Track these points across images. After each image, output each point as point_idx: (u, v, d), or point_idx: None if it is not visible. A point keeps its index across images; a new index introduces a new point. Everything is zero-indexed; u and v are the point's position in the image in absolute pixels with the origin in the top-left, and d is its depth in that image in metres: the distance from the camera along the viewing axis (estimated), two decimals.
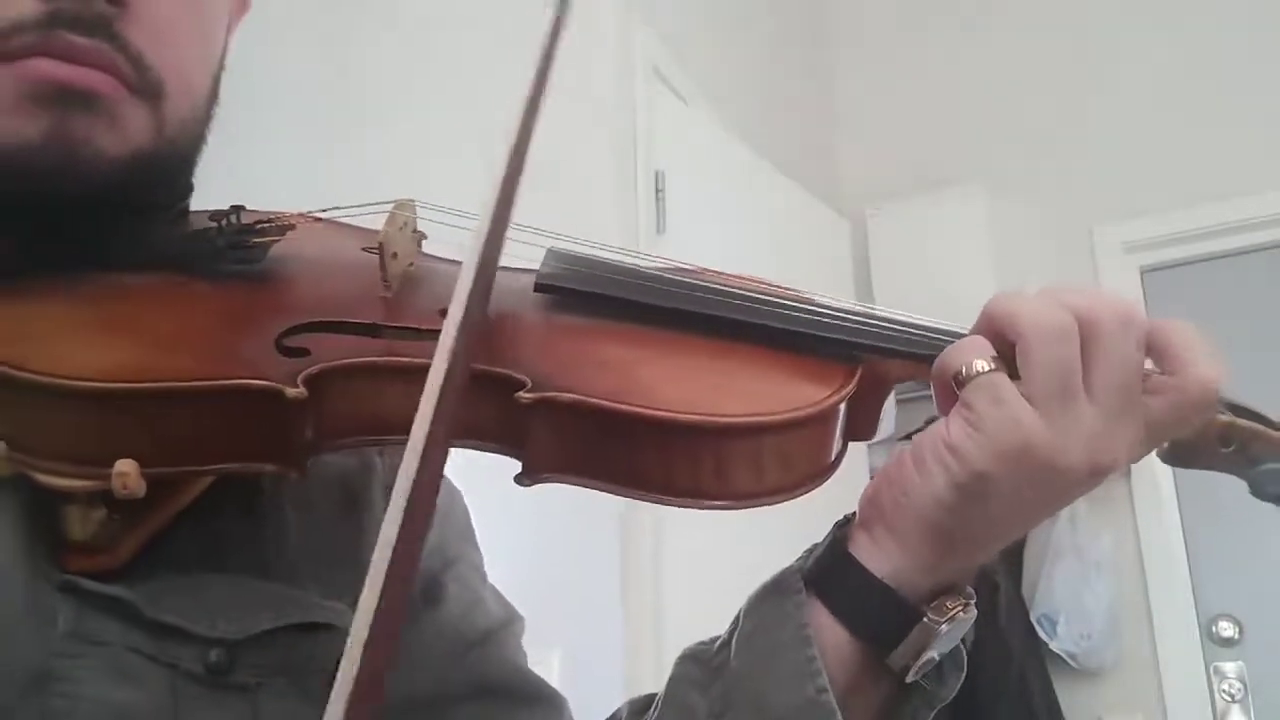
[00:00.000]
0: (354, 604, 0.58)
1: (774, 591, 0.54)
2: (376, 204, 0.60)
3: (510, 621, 0.68)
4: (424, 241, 0.62)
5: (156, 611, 0.49)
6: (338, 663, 0.57)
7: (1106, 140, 3.36)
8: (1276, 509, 0.56)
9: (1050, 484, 0.49)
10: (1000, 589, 2.81)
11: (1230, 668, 2.99)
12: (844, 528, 0.54)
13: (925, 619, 0.50)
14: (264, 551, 0.55)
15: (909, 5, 3.80)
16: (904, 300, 3.38)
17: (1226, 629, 3.01)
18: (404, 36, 2.51)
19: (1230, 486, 0.57)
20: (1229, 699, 2.97)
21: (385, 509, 0.62)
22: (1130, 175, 3.31)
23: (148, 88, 0.54)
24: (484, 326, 0.46)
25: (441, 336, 0.40)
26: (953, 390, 0.50)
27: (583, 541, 2.00)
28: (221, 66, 0.62)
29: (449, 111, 2.37)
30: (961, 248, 3.36)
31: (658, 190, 2.40)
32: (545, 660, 1.91)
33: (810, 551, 0.55)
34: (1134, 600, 3.05)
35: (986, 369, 0.49)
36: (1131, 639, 3.02)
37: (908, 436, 3.01)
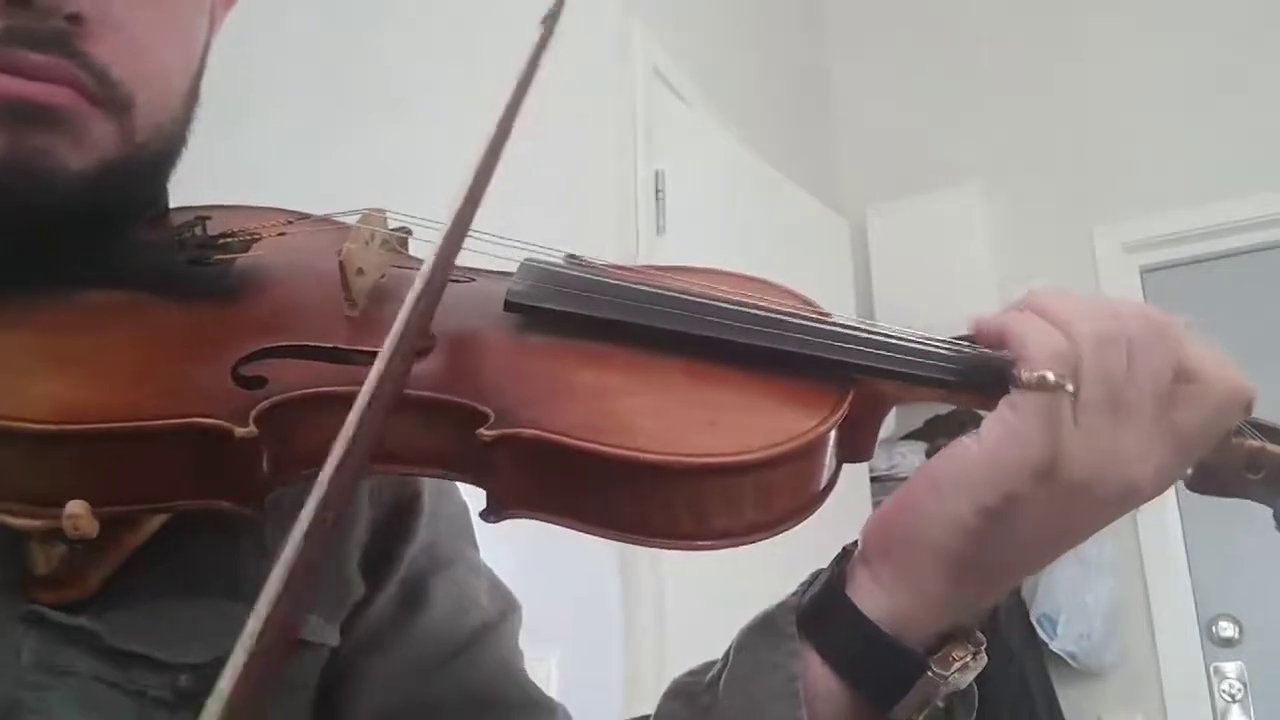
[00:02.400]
0: (330, 615, 0.58)
1: (766, 632, 0.52)
2: (344, 214, 0.57)
3: (504, 616, 0.66)
4: (410, 241, 0.59)
5: (121, 640, 0.49)
6: (315, 676, 0.57)
7: (1106, 140, 3.36)
8: None
9: (1079, 508, 0.47)
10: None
11: (1230, 668, 2.98)
12: (843, 564, 0.51)
13: (930, 673, 0.48)
14: (236, 572, 0.54)
15: (909, 5, 3.80)
16: (904, 300, 3.36)
17: (1226, 629, 3.00)
18: (406, 35, 2.51)
19: None
20: (1229, 699, 2.96)
21: (370, 516, 0.62)
22: (1130, 175, 3.31)
23: (114, 101, 0.52)
24: (420, 345, 0.43)
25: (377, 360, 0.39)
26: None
27: (582, 541, 1.99)
28: (203, 66, 0.60)
29: (450, 110, 2.36)
30: (961, 248, 3.36)
31: (658, 190, 2.40)
32: (544, 661, 1.91)
33: (808, 584, 0.52)
34: (1134, 600, 3.05)
35: (1055, 383, 0.45)
36: (1131, 639, 3.02)
37: (908, 437, 3.01)
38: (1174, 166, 3.26)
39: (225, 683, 0.29)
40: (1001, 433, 0.46)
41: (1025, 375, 0.46)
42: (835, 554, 0.53)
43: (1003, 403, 0.47)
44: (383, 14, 2.52)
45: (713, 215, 2.58)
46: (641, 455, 0.45)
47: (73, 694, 0.48)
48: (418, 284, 0.42)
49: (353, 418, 0.37)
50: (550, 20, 0.55)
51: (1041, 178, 3.41)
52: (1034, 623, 2.97)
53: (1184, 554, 3.06)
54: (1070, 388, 0.45)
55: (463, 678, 0.62)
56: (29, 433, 0.44)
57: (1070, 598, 2.95)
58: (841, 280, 3.21)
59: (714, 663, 0.55)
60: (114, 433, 0.45)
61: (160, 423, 0.45)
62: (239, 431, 0.45)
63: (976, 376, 0.49)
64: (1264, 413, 0.53)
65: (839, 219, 3.32)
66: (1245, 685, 2.96)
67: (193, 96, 0.60)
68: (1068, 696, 2.94)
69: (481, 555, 0.70)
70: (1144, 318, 0.47)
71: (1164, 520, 3.06)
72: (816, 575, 0.53)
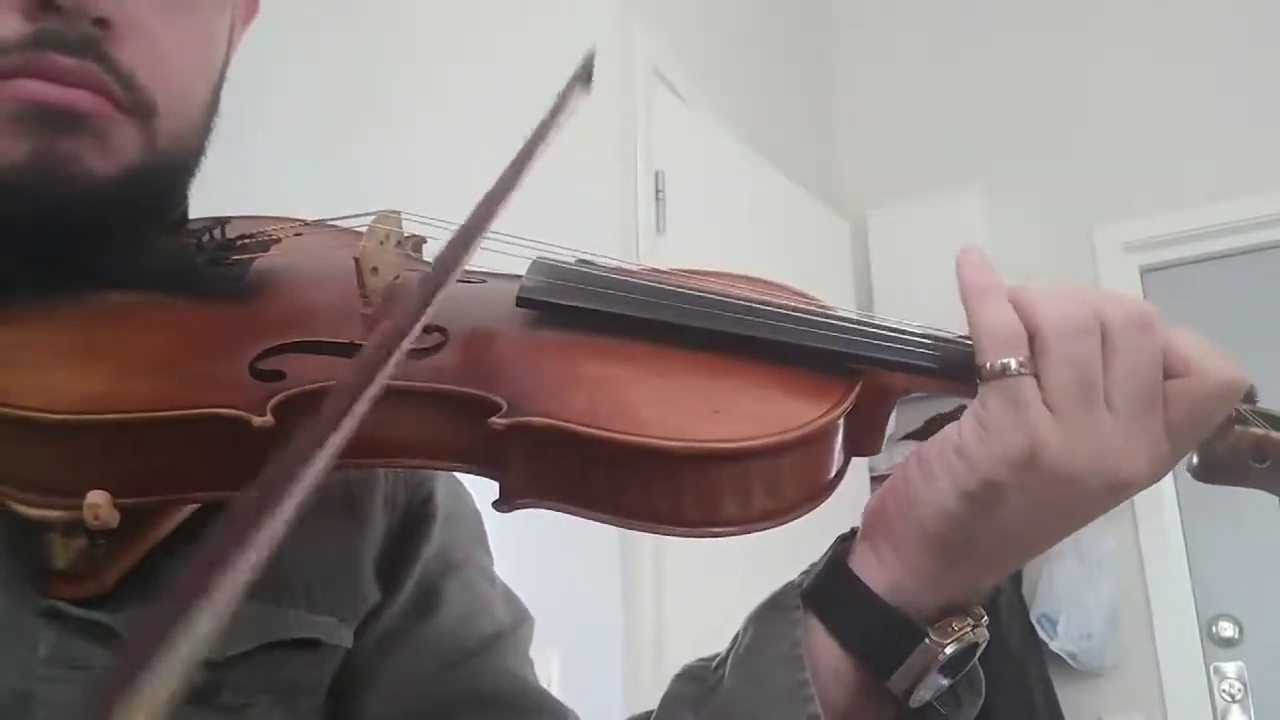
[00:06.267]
0: (345, 617, 0.58)
1: (771, 609, 0.53)
2: (360, 215, 0.58)
3: (517, 626, 0.67)
4: (424, 247, 0.60)
5: None
6: (327, 679, 0.57)
7: (1106, 140, 3.36)
8: None
9: (1065, 498, 0.46)
10: (1000, 589, 2.81)
11: (1230, 668, 2.99)
12: (846, 542, 0.52)
13: (927, 640, 0.48)
14: None
15: (909, 5, 3.80)
16: (904, 300, 3.36)
17: (1226, 629, 3.01)
18: (412, 45, 2.51)
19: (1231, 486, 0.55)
20: (1229, 699, 2.97)
21: (385, 521, 0.62)
22: (1130, 175, 3.31)
23: (139, 107, 0.53)
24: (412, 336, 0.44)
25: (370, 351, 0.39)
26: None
27: (583, 541, 2.00)
28: (223, 76, 0.61)
29: (455, 119, 2.36)
30: (961, 248, 3.35)
31: (658, 190, 2.40)
32: (545, 661, 1.91)
33: (813, 567, 0.53)
34: (1134, 600, 3.05)
35: (1015, 369, 0.46)
36: (1131, 639, 3.02)
37: (908, 436, 3.01)
38: (1174, 166, 3.27)
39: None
40: (974, 422, 0.47)
41: (980, 364, 0.46)
42: (839, 535, 0.54)
43: (976, 396, 0.47)
44: (390, 24, 2.52)
45: (713, 215, 2.58)
46: (649, 441, 0.45)
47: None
48: (436, 260, 0.43)
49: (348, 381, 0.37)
50: (578, 81, 0.55)
51: (1041, 178, 3.42)
52: (1034, 623, 2.97)
53: (1184, 554, 3.07)
54: (1027, 373, 0.45)
55: (474, 681, 0.62)
56: (50, 423, 0.45)
57: (1070, 598, 2.95)
58: (841, 280, 3.21)
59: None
60: (133, 422, 0.46)
61: (179, 413, 0.46)
62: (256, 421, 0.45)
63: (956, 367, 0.49)
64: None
65: (839, 219, 3.32)
66: (1245, 685, 2.97)
67: (213, 107, 0.60)
68: (1068, 696, 2.94)
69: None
70: (1124, 309, 0.47)
71: (1164, 520, 3.06)
72: (818, 561, 0.54)
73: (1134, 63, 3.39)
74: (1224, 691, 2.98)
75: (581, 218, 2.18)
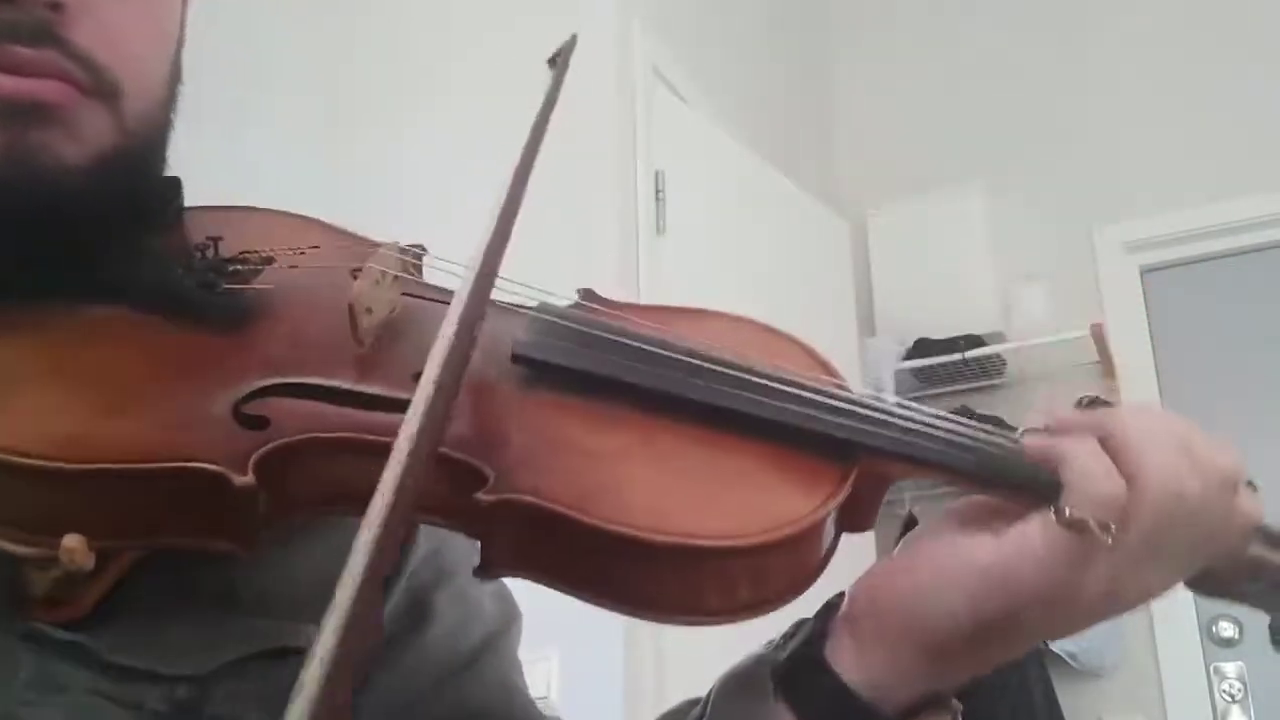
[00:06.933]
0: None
1: (742, 688, 0.51)
2: (357, 232, 0.58)
3: (507, 626, 0.66)
4: (424, 257, 0.59)
5: (118, 655, 0.49)
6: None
7: (1106, 140, 3.36)
8: None
9: (1080, 618, 0.46)
10: None
11: (1230, 668, 2.99)
12: (827, 618, 0.50)
13: None
14: (231, 583, 0.53)
15: (908, 5, 3.80)
16: (904, 300, 3.34)
17: (1226, 629, 3.00)
18: (407, 40, 2.51)
19: None
20: (1229, 699, 2.97)
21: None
22: (1130, 175, 3.31)
23: (103, 88, 0.52)
24: (454, 397, 0.43)
25: (408, 414, 0.38)
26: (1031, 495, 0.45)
27: None
28: (181, 44, 0.59)
29: (449, 115, 2.36)
30: (961, 248, 3.36)
31: (658, 190, 2.40)
32: (544, 661, 1.91)
33: (789, 637, 0.51)
34: None
35: (1097, 531, 0.43)
36: (1131, 639, 3.02)
37: None
38: (1174, 166, 3.27)
39: None
40: (1021, 557, 0.45)
41: (1068, 513, 0.44)
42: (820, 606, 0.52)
43: (1034, 523, 0.45)
44: (391, 23, 2.52)
45: (713, 215, 2.58)
46: (635, 532, 0.44)
47: (69, 710, 0.48)
48: (438, 351, 0.42)
49: (389, 481, 0.36)
50: (559, 60, 0.54)
51: (1041, 178, 3.42)
52: None
53: None
54: (1110, 538, 0.44)
55: (464, 695, 0.62)
56: (26, 468, 0.44)
57: None
58: (841, 281, 3.21)
59: (696, 701, 0.55)
60: (111, 472, 0.45)
61: (159, 465, 0.45)
62: (237, 481, 0.44)
63: (1004, 481, 0.48)
64: (1263, 414, 0.52)
65: (839, 219, 3.32)
66: (1245, 685, 2.97)
67: (175, 76, 0.59)
68: (1068, 696, 2.93)
69: None
70: (1220, 469, 0.45)
71: None
72: (799, 626, 0.52)
73: (1134, 63, 3.39)
74: (1224, 691, 2.98)
75: (581, 218, 2.18)
